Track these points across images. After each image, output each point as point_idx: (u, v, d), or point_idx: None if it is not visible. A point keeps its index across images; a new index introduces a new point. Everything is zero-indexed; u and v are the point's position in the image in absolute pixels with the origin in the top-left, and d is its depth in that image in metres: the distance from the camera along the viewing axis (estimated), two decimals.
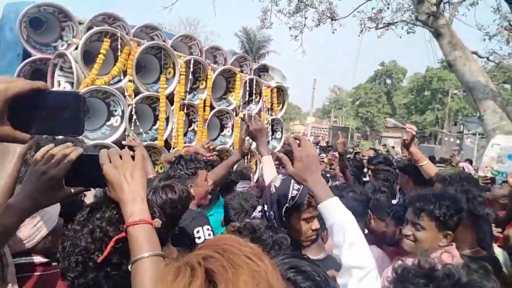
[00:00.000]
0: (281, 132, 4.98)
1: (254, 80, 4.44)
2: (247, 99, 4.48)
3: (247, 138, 2.40)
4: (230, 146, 4.27)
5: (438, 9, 6.42)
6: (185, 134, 3.90)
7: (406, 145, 2.91)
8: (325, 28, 9.67)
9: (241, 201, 2.22)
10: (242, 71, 4.38)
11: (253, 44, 28.64)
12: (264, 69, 4.80)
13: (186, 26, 29.72)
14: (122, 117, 3.39)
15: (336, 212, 1.23)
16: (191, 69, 3.78)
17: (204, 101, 3.98)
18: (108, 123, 3.44)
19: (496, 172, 4.21)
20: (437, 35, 6.39)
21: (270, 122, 4.68)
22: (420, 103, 40.42)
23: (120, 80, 3.39)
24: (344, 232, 1.18)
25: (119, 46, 3.26)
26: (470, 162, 9.04)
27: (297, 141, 1.34)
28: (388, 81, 46.15)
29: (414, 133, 2.89)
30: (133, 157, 1.04)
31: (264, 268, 0.65)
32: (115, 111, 3.42)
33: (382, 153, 9.79)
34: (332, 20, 9.33)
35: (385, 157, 5.01)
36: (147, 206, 0.99)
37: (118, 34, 3.25)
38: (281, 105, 5.02)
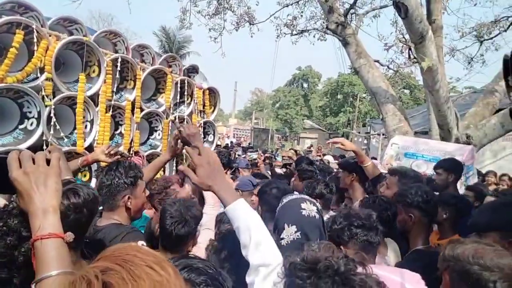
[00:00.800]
0: (213, 135, 4.94)
1: (186, 81, 4.34)
2: (178, 100, 4.35)
3: (179, 143, 2.25)
4: (160, 150, 4.11)
5: (345, 19, 7.04)
6: (111, 138, 3.70)
7: (351, 149, 3.05)
8: (245, 31, 9.97)
9: (181, 209, 1.98)
10: (171, 72, 4.26)
11: (173, 44, 28.05)
12: (193, 70, 4.73)
13: (98, 22, 27.99)
14: (38, 119, 3.08)
15: (242, 214, 1.24)
16: (118, 68, 3.60)
17: (133, 102, 3.81)
18: (21, 126, 3.10)
19: None
20: (345, 43, 6.99)
21: (202, 125, 4.62)
22: (334, 106, 43.40)
23: (36, 78, 3.10)
24: (250, 232, 1.21)
25: (35, 40, 2.95)
26: (376, 159, 10.05)
27: (196, 149, 1.31)
28: (305, 84, 48.73)
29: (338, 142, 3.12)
30: (48, 161, 0.92)
31: (166, 277, 0.63)
32: (30, 112, 3.10)
33: (300, 153, 10.37)
34: (250, 24, 9.65)
35: (307, 158, 5.41)
36: (59, 218, 0.89)
37: (34, 26, 2.94)
38: (213, 108, 4.97)
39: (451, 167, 3.52)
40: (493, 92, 6.30)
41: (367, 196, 2.64)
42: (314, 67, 50.44)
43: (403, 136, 6.07)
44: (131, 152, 3.77)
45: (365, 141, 19.20)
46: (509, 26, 8.48)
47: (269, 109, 50.07)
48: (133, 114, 3.83)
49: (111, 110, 3.62)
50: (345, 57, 7.48)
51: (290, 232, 1.49)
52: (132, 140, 3.82)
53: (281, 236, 1.50)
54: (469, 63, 9.77)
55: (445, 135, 6.09)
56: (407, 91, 35.22)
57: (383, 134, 12.04)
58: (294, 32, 9.88)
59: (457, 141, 5.91)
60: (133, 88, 3.84)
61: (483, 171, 7.18)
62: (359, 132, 24.05)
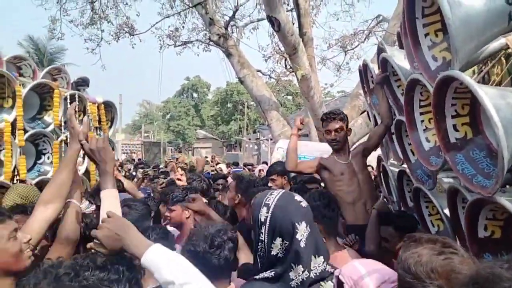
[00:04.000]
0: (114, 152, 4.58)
1: (77, 96, 3.88)
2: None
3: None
4: (51, 176, 3.59)
5: (226, 31, 7.24)
6: None
7: None
8: (126, 42, 9.51)
9: None
10: (58, 86, 3.77)
11: (44, 55, 25.18)
12: (83, 82, 4.25)
13: None
14: None
15: (165, 263, 1.11)
16: None
17: (13, 123, 3.22)
18: None
19: None
20: (228, 54, 7.19)
21: None
22: (225, 114, 44.23)
23: None
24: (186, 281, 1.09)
25: None
26: (266, 164, 10.53)
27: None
28: (195, 95, 48.69)
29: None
30: None
31: None
32: None
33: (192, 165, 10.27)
34: (130, 35, 9.25)
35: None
36: None
37: None
38: (110, 123, 4.61)
39: (283, 171, 3.80)
40: (358, 95, 7.14)
41: None
42: (202, 77, 50.79)
43: (287, 140, 6.44)
44: (15, 181, 3.21)
45: (256, 147, 20.01)
46: (365, 38, 9.79)
47: (160, 121, 48.57)
48: (14, 136, 3.26)
49: None
50: (230, 67, 7.77)
51: (303, 230, 1.34)
52: (15, 167, 3.25)
53: (297, 238, 1.33)
54: (338, 70, 10.96)
55: (322, 136, 6.66)
56: (290, 97, 37.96)
57: (271, 139, 12.71)
58: (178, 43, 9.80)
59: None
60: (12, 107, 3.28)
61: None
62: (249, 139, 24.96)
